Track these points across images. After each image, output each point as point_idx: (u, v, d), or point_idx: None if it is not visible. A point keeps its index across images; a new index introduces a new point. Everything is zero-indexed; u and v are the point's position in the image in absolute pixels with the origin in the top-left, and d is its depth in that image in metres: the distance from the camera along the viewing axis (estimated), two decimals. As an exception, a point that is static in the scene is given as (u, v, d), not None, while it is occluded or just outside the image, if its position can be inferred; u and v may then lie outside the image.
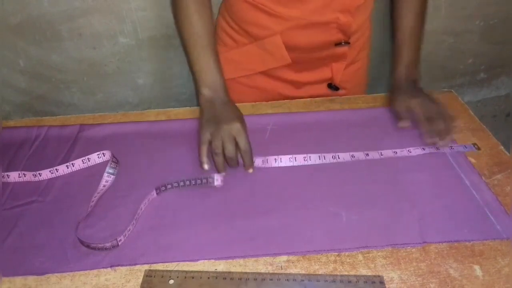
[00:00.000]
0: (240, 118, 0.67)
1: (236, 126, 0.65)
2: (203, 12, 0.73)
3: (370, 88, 1.07)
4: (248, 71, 0.84)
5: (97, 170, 0.68)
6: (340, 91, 0.87)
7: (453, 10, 1.02)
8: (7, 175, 0.66)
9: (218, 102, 0.69)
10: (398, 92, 0.77)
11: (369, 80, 1.08)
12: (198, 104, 0.72)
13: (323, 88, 0.87)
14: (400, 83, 0.78)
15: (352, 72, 0.87)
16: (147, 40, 0.97)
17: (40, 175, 0.67)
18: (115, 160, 0.69)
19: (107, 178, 0.66)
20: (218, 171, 0.65)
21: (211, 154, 0.66)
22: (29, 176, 0.67)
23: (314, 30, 0.76)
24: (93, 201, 0.62)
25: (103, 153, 0.70)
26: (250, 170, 0.66)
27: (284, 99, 0.85)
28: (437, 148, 0.70)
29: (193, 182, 0.64)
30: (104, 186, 0.65)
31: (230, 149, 0.64)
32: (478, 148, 0.71)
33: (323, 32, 0.77)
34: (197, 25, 0.72)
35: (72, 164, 0.69)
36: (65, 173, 0.68)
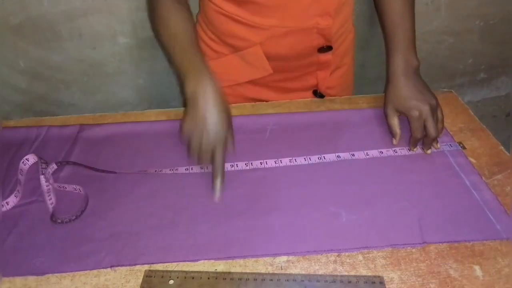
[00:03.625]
0: (223, 126, 0.61)
1: (215, 142, 0.60)
2: (182, 13, 0.69)
3: (370, 88, 1.07)
4: (230, 82, 0.82)
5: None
6: (326, 98, 0.85)
7: (453, 10, 1.02)
8: (6, 202, 0.62)
9: (204, 98, 0.61)
10: (393, 96, 0.70)
11: (369, 80, 1.08)
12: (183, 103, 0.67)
13: (308, 95, 0.85)
14: (397, 79, 0.70)
15: (337, 77, 0.86)
16: (147, 40, 0.97)
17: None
18: (43, 161, 0.66)
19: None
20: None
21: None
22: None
23: (294, 37, 0.74)
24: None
25: (27, 159, 0.68)
26: (216, 195, 0.61)
27: None
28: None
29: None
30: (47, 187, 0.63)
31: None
32: (464, 147, 0.71)
33: (304, 38, 0.75)
34: (176, 27, 0.67)
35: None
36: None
